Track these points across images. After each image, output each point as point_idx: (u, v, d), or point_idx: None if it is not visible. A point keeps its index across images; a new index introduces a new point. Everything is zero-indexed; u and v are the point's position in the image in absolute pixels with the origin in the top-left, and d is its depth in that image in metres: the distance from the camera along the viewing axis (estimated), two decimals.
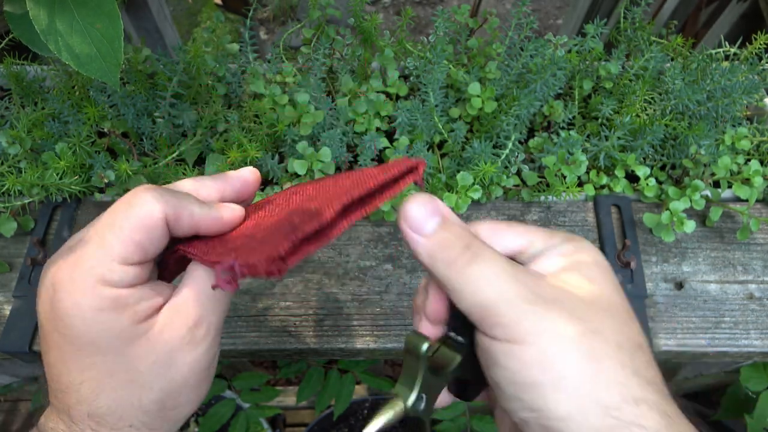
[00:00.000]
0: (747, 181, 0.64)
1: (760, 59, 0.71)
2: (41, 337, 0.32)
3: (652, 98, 0.71)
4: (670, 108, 0.68)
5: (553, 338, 0.26)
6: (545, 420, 0.26)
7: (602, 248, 0.64)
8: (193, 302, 0.32)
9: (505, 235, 0.32)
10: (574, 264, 0.30)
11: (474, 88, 0.67)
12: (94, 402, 0.30)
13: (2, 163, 0.63)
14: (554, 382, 0.26)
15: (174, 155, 0.64)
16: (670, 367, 1.00)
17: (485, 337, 0.28)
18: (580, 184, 0.67)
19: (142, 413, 0.31)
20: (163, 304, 0.33)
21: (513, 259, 0.31)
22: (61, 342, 0.30)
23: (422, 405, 0.31)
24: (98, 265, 0.30)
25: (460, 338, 0.32)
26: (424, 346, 0.32)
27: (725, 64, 0.72)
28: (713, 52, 0.73)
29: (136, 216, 0.31)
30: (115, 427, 0.30)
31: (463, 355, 0.32)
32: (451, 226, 0.29)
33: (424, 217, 0.29)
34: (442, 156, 0.69)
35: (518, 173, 0.68)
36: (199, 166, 0.67)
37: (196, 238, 0.35)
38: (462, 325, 0.32)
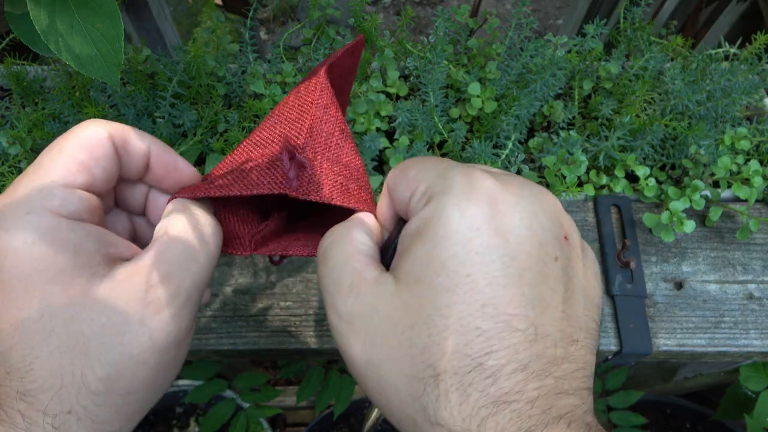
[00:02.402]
0: (747, 181, 0.64)
1: (760, 59, 0.71)
2: None
3: (652, 98, 0.71)
4: (670, 108, 0.68)
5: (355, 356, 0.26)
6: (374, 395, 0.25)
7: (602, 248, 0.64)
8: (160, 255, 0.26)
9: (400, 182, 0.29)
10: (416, 242, 0.27)
11: (474, 88, 0.67)
12: (27, 374, 0.23)
13: (3, 163, 0.63)
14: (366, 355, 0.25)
15: None
16: (669, 367, 1.00)
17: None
18: (580, 184, 0.67)
19: (86, 395, 0.24)
20: (124, 259, 0.27)
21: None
22: None
23: None
24: (36, 190, 0.25)
25: None
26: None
27: (725, 64, 0.72)
28: (713, 52, 0.73)
29: (78, 136, 0.27)
30: (50, 412, 0.23)
31: None
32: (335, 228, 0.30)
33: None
34: (442, 156, 0.69)
35: (518, 173, 0.68)
36: (199, 166, 0.67)
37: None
38: None
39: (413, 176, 0.27)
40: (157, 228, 0.28)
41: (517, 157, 0.66)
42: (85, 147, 0.27)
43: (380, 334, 0.23)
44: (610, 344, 0.59)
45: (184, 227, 0.27)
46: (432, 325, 0.22)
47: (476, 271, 0.22)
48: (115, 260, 0.27)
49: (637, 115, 0.68)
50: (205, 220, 0.29)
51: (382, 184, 0.64)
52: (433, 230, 0.23)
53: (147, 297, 0.25)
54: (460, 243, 0.22)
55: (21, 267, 0.23)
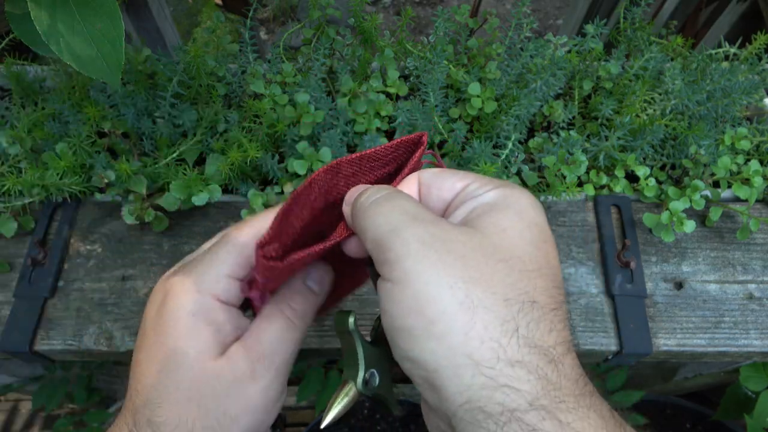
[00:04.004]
0: (747, 181, 0.64)
1: (760, 59, 0.71)
2: (138, 338, 0.34)
3: (652, 98, 0.71)
4: (670, 108, 0.68)
5: (429, 281, 0.24)
6: (423, 371, 0.24)
7: (602, 248, 0.64)
8: (260, 340, 0.33)
9: (447, 179, 0.31)
10: (497, 209, 0.28)
11: (474, 88, 0.67)
12: (157, 409, 0.30)
13: (3, 164, 0.63)
14: (425, 328, 0.24)
15: (174, 155, 0.64)
16: (669, 367, 1.01)
17: (380, 281, 0.27)
18: (580, 184, 0.67)
19: None
20: (240, 335, 0.34)
21: (450, 204, 0.30)
22: (152, 342, 0.32)
23: (376, 381, 0.31)
24: (207, 272, 0.33)
25: None
26: (351, 319, 0.32)
27: (725, 64, 0.72)
28: (713, 52, 0.73)
29: (246, 234, 0.34)
30: None
31: None
32: (378, 187, 0.30)
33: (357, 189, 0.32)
34: (442, 156, 0.69)
35: (518, 173, 0.68)
36: (199, 166, 0.67)
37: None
38: None
39: (462, 175, 0.31)
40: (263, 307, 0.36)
41: (517, 157, 0.66)
42: (248, 246, 0.34)
43: (471, 259, 0.25)
44: (611, 344, 0.59)
45: (280, 314, 0.35)
46: (524, 264, 0.25)
47: (550, 246, 0.28)
48: (239, 336, 0.34)
49: (637, 115, 0.68)
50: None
51: None
52: (517, 204, 0.28)
53: (247, 371, 0.32)
54: (535, 219, 0.28)
55: (179, 334, 0.31)
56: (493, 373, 0.23)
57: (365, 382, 0.30)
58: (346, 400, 0.30)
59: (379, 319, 0.31)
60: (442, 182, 0.31)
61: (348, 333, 0.32)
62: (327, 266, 0.38)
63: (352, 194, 0.31)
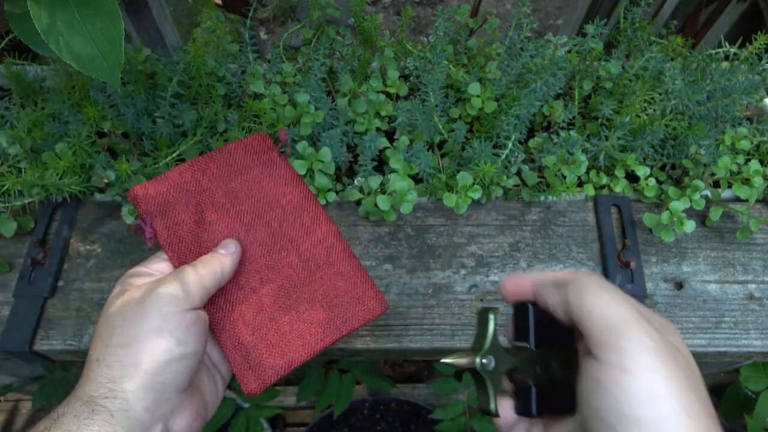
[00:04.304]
0: (747, 181, 0.64)
1: (760, 59, 0.71)
2: (108, 324, 0.40)
3: (652, 98, 0.71)
4: (670, 108, 0.68)
5: (663, 380, 0.27)
6: None
7: (602, 248, 0.64)
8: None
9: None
10: (669, 334, 0.31)
11: (474, 88, 0.67)
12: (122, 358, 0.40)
13: (2, 163, 0.63)
14: (657, 421, 0.27)
15: (174, 155, 0.64)
16: None
17: (596, 362, 0.29)
18: (580, 184, 0.67)
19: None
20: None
21: None
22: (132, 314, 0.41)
23: (491, 365, 0.35)
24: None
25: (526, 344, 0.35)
26: (492, 315, 0.36)
27: (725, 64, 0.72)
28: (713, 52, 0.73)
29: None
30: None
31: (530, 359, 0.35)
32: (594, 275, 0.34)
33: (543, 274, 0.35)
34: (442, 156, 0.69)
35: (518, 173, 0.68)
36: None
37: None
38: (544, 339, 0.35)
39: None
40: None
41: (517, 157, 0.66)
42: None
43: (687, 369, 0.29)
44: None
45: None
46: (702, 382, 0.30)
47: None
48: None
49: (637, 115, 0.68)
50: None
51: (381, 184, 0.64)
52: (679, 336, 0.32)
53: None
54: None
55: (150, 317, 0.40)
56: None
57: (482, 362, 0.35)
58: (464, 359, 0.35)
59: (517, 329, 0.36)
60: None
61: (486, 322, 0.36)
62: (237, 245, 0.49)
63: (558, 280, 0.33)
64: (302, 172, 0.63)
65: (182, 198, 0.48)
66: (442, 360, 0.36)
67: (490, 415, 0.34)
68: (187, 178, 0.49)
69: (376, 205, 0.62)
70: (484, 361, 0.35)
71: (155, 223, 0.47)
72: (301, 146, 0.63)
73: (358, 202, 0.66)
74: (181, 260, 0.47)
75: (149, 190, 0.47)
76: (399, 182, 0.61)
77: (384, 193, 0.63)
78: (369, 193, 0.65)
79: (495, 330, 0.36)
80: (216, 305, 0.46)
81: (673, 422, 0.27)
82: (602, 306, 0.30)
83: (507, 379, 0.37)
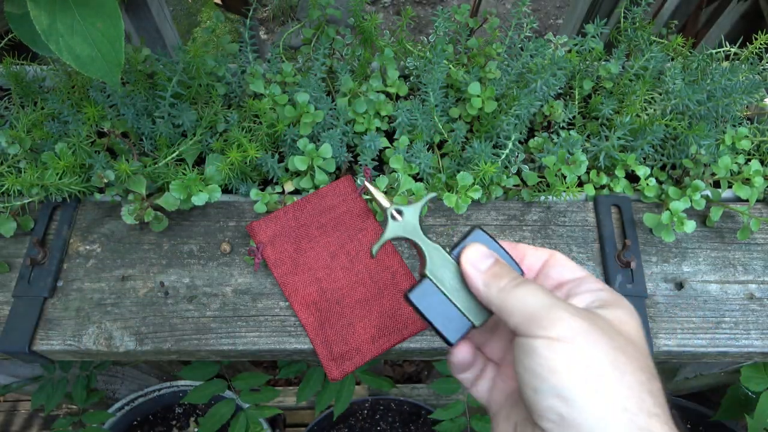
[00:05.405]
0: (747, 181, 0.64)
1: (761, 59, 0.71)
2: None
3: (652, 98, 0.71)
4: (670, 108, 0.68)
5: (589, 342, 0.31)
6: (575, 412, 0.29)
7: (602, 248, 0.64)
8: None
9: (565, 267, 0.38)
10: (615, 306, 0.35)
11: (474, 88, 0.67)
12: None
13: (2, 163, 0.63)
14: (588, 378, 0.30)
15: (174, 155, 0.64)
16: (670, 367, 1.00)
17: (526, 338, 0.32)
18: (580, 184, 0.67)
19: None
20: None
21: (563, 287, 0.37)
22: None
23: (400, 217, 0.38)
24: None
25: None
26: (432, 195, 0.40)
27: (725, 63, 0.72)
28: (713, 51, 0.73)
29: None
30: None
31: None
32: (501, 264, 0.37)
33: (481, 258, 0.36)
34: (442, 156, 0.69)
35: (518, 173, 0.68)
36: (199, 165, 0.67)
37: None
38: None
39: (579, 267, 0.38)
40: None
41: (517, 157, 0.66)
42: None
43: (613, 334, 0.32)
44: None
45: None
46: (643, 349, 0.33)
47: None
48: None
49: (638, 115, 0.68)
50: None
51: (385, 184, 0.64)
52: (628, 308, 0.36)
53: None
54: (639, 320, 0.36)
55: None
56: (638, 420, 0.29)
57: (392, 211, 0.38)
58: (382, 198, 0.38)
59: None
60: (563, 268, 0.38)
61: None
62: None
63: (487, 278, 0.36)
64: (303, 168, 0.63)
65: (286, 232, 0.63)
66: (368, 183, 0.39)
67: (371, 256, 0.37)
68: (289, 216, 0.64)
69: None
70: (394, 212, 0.37)
71: (265, 251, 0.62)
72: (302, 142, 0.63)
73: None
74: (282, 278, 0.61)
75: (262, 227, 0.63)
76: (409, 183, 0.62)
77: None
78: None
79: (424, 204, 0.38)
80: (312, 314, 0.59)
81: (604, 379, 0.30)
82: (520, 302, 0.33)
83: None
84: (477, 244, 0.37)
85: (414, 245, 0.38)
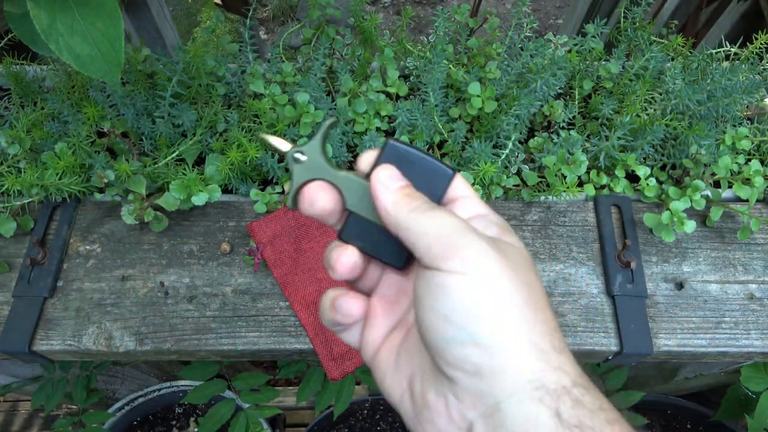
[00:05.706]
0: (747, 181, 0.64)
1: (761, 59, 0.71)
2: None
3: (652, 98, 0.71)
4: (670, 108, 0.68)
5: (500, 276, 0.29)
6: (485, 356, 0.27)
7: (602, 248, 0.64)
8: None
9: (471, 199, 0.35)
10: (508, 233, 0.33)
11: (474, 88, 0.67)
12: None
13: (2, 163, 0.63)
14: (508, 321, 0.28)
15: (174, 155, 0.64)
16: (670, 367, 1.00)
17: (435, 271, 0.29)
18: (580, 184, 0.67)
19: None
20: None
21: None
22: None
23: (302, 159, 0.34)
24: None
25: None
26: (331, 123, 0.35)
27: (726, 63, 0.72)
28: (714, 51, 0.73)
29: None
30: None
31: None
32: (413, 189, 0.33)
33: (393, 178, 0.33)
34: (442, 156, 0.69)
35: (518, 173, 0.68)
36: (199, 165, 0.67)
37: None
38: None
39: (479, 199, 0.37)
40: None
41: (517, 156, 0.66)
42: None
43: (520, 266, 0.30)
44: (611, 344, 0.58)
45: None
46: (539, 280, 0.32)
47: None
48: None
49: (638, 115, 0.68)
50: None
51: None
52: (514, 234, 0.33)
53: None
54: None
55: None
56: (549, 358, 0.28)
57: (294, 155, 0.34)
58: (278, 142, 0.34)
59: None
60: (468, 198, 0.35)
61: (319, 127, 0.35)
62: None
63: (397, 198, 0.33)
64: None
65: (286, 232, 0.64)
66: (261, 134, 0.35)
67: (290, 208, 0.35)
68: (289, 216, 0.64)
69: None
70: (296, 155, 0.34)
71: (265, 251, 0.62)
72: (302, 141, 0.63)
73: None
74: (282, 279, 0.61)
75: (262, 227, 0.63)
76: None
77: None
78: None
79: (325, 135, 0.35)
80: (312, 314, 0.60)
81: (515, 314, 0.28)
82: (431, 225, 0.30)
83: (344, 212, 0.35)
84: (388, 165, 0.34)
85: (330, 184, 0.34)
